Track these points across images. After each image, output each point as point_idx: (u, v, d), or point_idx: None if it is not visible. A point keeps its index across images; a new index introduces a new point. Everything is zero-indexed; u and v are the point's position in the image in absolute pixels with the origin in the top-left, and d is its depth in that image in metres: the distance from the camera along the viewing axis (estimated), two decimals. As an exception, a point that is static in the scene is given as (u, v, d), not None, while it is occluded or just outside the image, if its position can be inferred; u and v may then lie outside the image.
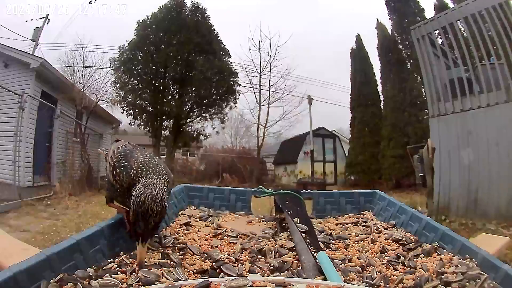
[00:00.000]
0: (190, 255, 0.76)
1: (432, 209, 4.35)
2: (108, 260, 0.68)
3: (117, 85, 13.44)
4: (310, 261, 0.71)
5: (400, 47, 12.32)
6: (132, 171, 0.74)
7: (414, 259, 0.76)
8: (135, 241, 0.66)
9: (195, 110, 15.07)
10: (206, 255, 0.75)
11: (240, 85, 15.49)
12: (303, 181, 13.80)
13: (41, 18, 12.84)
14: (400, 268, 0.73)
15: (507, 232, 3.67)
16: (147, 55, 13.96)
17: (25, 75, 7.11)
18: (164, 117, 14.55)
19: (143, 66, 14.06)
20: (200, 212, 1.09)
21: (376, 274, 0.69)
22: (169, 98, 14.65)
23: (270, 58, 15.74)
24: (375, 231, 0.97)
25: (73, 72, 9.66)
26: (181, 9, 14.48)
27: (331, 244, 0.87)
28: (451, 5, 10.13)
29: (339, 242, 0.89)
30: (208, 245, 0.83)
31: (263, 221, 1.08)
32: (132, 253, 0.71)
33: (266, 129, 15.66)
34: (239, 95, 15.51)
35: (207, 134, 15.70)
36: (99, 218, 4.53)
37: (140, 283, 0.61)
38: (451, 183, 5.18)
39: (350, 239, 0.91)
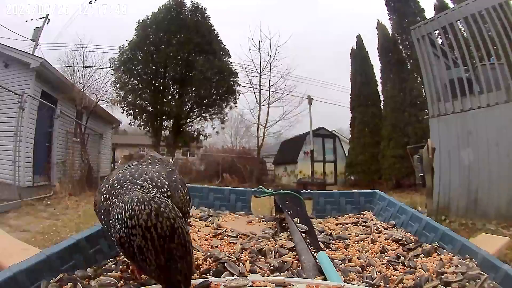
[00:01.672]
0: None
1: (431, 210, 4.35)
2: (108, 260, 0.68)
3: (117, 85, 13.46)
4: (310, 261, 0.71)
5: (400, 47, 12.32)
6: (106, 186, 0.53)
7: (414, 259, 0.76)
8: None
9: (195, 110, 15.08)
10: (208, 254, 0.75)
11: (240, 85, 15.52)
12: (303, 181, 13.79)
13: (41, 18, 12.85)
14: (400, 268, 0.73)
15: (507, 232, 3.66)
16: (147, 55, 13.97)
17: (25, 75, 7.11)
18: (164, 117, 14.56)
19: (143, 66, 14.07)
20: (200, 212, 1.09)
21: (376, 274, 0.69)
22: (169, 98, 14.67)
23: (270, 58, 15.75)
24: (375, 231, 0.97)
25: (73, 72, 9.67)
26: (181, 9, 14.49)
27: (331, 244, 0.87)
28: (451, 5, 10.12)
29: (339, 242, 0.89)
30: (208, 245, 0.83)
31: (263, 221, 1.08)
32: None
33: (266, 129, 15.68)
34: (239, 95, 15.54)
35: (207, 134, 15.72)
36: (99, 218, 4.52)
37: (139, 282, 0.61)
38: (451, 183, 5.18)
39: (350, 239, 0.91)
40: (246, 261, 0.73)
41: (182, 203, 0.57)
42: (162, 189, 0.53)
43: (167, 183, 0.55)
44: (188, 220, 0.65)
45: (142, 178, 0.54)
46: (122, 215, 0.44)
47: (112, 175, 0.57)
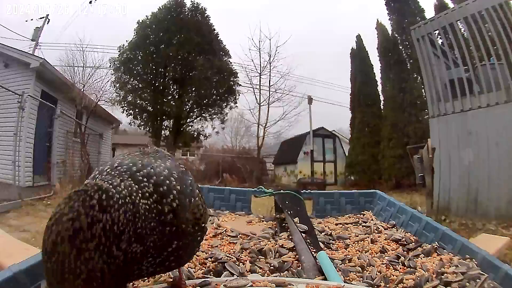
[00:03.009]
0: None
1: (430, 209, 4.35)
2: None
3: (117, 85, 13.46)
4: (310, 261, 0.71)
5: (400, 47, 12.31)
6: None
7: (414, 259, 0.76)
8: None
9: (195, 110, 15.07)
10: (208, 254, 0.75)
11: (240, 85, 15.51)
12: (303, 181, 13.78)
13: (41, 18, 12.86)
14: (400, 268, 0.73)
15: (507, 232, 3.66)
16: (147, 55, 13.96)
17: (25, 75, 7.10)
18: (164, 117, 14.55)
19: (143, 66, 14.06)
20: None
21: (376, 274, 0.69)
22: (169, 98, 14.66)
23: (270, 58, 15.76)
24: (375, 231, 0.98)
25: (73, 72, 9.69)
26: (181, 9, 14.48)
27: (331, 244, 0.87)
28: (451, 5, 10.12)
29: (339, 242, 0.89)
30: (208, 245, 0.83)
31: (263, 221, 1.08)
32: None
33: (266, 129, 15.68)
34: (239, 95, 15.54)
35: (207, 134, 15.71)
36: (99, 218, 4.51)
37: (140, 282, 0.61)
38: (451, 183, 5.17)
39: (350, 239, 0.91)
40: (246, 261, 0.73)
41: (200, 214, 0.46)
42: (168, 199, 0.42)
43: (178, 187, 0.43)
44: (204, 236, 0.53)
45: (144, 172, 0.42)
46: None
47: (107, 163, 0.46)
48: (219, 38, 15.14)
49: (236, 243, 0.84)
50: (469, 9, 5.15)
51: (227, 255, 0.74)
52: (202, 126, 15.40)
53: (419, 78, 10.77)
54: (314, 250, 0.76)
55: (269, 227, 0.99)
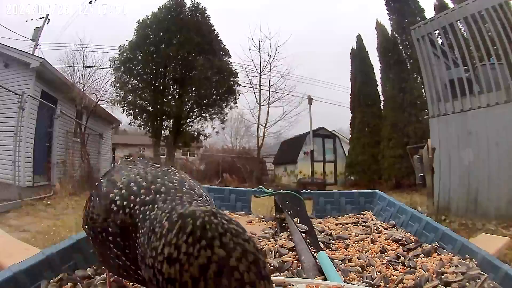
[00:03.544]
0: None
1: (431, 210, 4.35)
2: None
3: (117, 85, 13.46)
4: (310, 261, 0.71)
5: (400, 47, 12.31)
6: (118, 191, 0.38)
7: (414, 259, 0.76)
8: None
9: (195, 110, 15.07)
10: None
11: (240, 85, 15.51)
12: (303, 181, 13.78)
13: (41, 18, 12.87)
14: (400, 268, 0.73)
15: (507, 232, 3.66)
16: (147, 55, 13.96)
17: (25, 75, 7.11)
18: (164, 117, 14.55)
19: (143, 66, 14.06)
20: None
21: (376, 274, 0.69)
22: (169, 98, 14.66)
23: (270, 58, 15.76)
24: (375, 231, 0.97)
25: (73, 72, 9.70)
26: (181, 9, 14.48)
27: (331, 244, 0.87)
28: (451, 5, 10.12)
29: (339, 242, 0.89)
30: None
31: (263, 221, 1.08)
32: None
33: (266, 129, 15.68)
34: (239, 95, 15.54)
35: (207, 134, 15.71)
36: (99, 218, 4.50)
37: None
38: (451, 183, 5.17)
39: (350, 239, 0.91)
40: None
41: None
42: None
43: (205, 195, 0.40)
44: None
45: (185, 183, 0.38)
46: (172, 235, 0.28)
47: (119, 176, 0.41)
48: (219, 38, 15.15)
49: (236, 243, 0.84)
50: (469, 9, 5.15)
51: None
52: (202, 126, 15.42)
53: (419, 78, 10.77)
54: (314, 250, 0.76)
55: (269, 227, 0.99)
